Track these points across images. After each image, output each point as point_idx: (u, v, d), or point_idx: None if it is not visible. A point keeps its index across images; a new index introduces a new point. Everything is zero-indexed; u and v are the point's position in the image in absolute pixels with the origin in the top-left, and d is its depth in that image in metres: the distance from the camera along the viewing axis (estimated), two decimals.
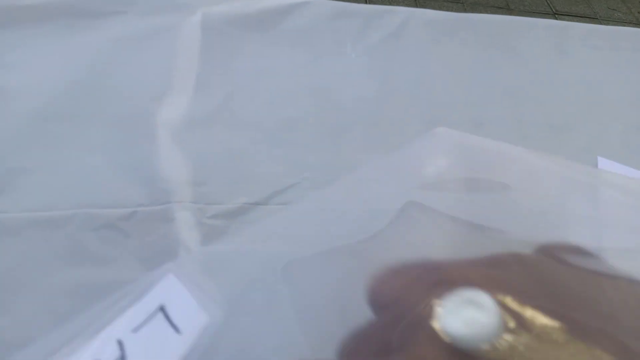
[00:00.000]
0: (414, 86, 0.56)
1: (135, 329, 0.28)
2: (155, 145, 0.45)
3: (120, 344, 0.27)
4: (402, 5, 1.95)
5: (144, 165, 0.44)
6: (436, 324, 0.14)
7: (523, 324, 0.14)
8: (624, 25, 0.80)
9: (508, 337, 0.14)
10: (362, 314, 0.17)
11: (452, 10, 0.66)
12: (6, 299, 0.36)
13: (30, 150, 0.43)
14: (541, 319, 0.14)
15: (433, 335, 0.14)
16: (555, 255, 0.17)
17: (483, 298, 0.15)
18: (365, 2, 1.93)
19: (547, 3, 2.24)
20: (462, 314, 0.14)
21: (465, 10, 2.03)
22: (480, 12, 2.02)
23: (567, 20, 0.72)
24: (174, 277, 0.29)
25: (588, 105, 0.58)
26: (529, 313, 0.14)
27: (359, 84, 0.53)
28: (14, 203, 0.40)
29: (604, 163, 0.51)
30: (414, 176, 0.31)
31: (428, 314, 0.15)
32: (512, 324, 0.14)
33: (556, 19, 2.11)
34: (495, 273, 0.16)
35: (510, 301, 0.15)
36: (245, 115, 0.50)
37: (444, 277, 0.16)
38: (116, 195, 0.42)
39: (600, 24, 2.14)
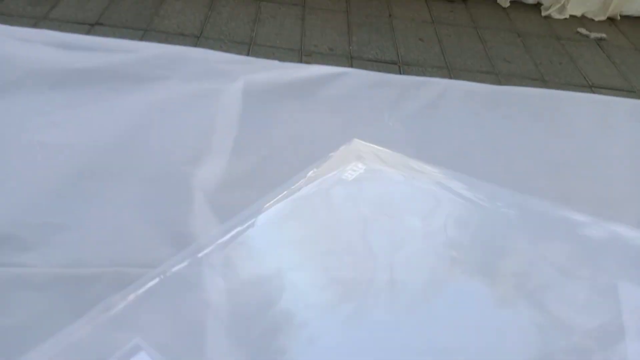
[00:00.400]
0: (453, 157, 0.55)
1: None
2: (190, 205, 0.45)
3: None
4: (436, 76, 1.99)
5: (178, 225, 0.43)
6: None
7: None
8: None
9: None
10: None
11: (486, 81, 0.66)
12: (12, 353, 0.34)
13: (66, 205, 0.44)
14: None
15: None
16: None
17: None
18: (400, 73, 1.98)
19: (583, 76, 2.24)
20: None
21: (499, 82, 2.05)
22: (515, 84, 2.04)
23: (604, 94, 0.71)
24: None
25: (637, 180, 0.56)
26: None
27: (396, 151, 0.53)
28: (44, 258, 0.40)
29: None
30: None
31: None
32: None
33: (592, 92, 2.11)
34: None
35: None
36: (277, 179, 0.49)
37: None
38: (147, 254, 0.41)
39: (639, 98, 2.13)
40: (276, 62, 0.63)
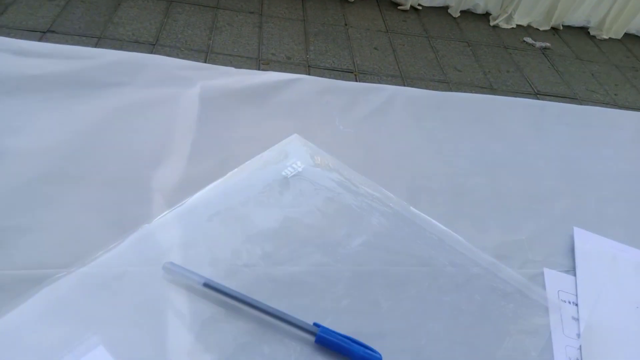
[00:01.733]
0: (398, 158, 0.59)
1: None
2: (149, 207, 0.47)
3: None
4: (389, 84, 2.05)
5: (137, 226, 0.45)
6: None
7: None
8: (601, 106, 0.85)
9: None
10: None
11: (438, 90, 0.71)
12: None
13: (26, 209, 0.45)
14: None
15: None
16: None
17: None
18: (356, 81, 2.03)
19: (529, 83, 2.35)
20: None
21: (450, 89, 2.13)
22: (465, 91, 2.13)
23: (548, 101, 0.77)
24: None
25: (564, 178, 0.61)
26: None
27: (345, 155, 0.56)
28: (7, 260, 0.41)
29: (579, 233, 0.54)
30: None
31: None
32: None
33: (538, 99, 2.21)
34: None
35: None
36: None
37: None
38: (108, 255, 0.43)
39: (580, 104, 2.25)
40: (232, 69, 0.66)
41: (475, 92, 2.08)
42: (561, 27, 2.81)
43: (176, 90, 0.59)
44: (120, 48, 1.78)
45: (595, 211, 0.58)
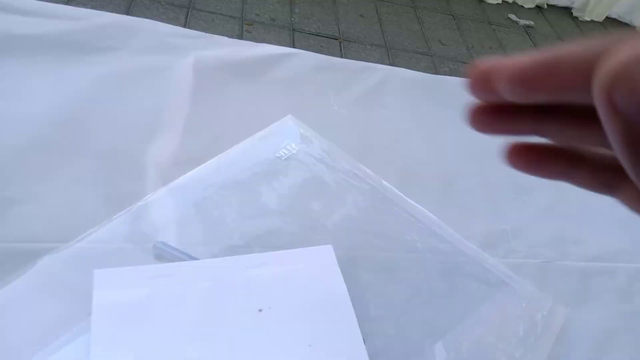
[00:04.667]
0: (391, 142, 0.59)
1: None
2: (143, 182, 0.46)
3: None
4: (375, 55, 2.03)
5: (131, 202, 0.44)
6: None
7: None
8: None
9: None
10: None
11: (421, 62, 0.71)
12: None
13: (16, 180, 0.43)
14: None
15: None
16: None
17: None
18: (340, 48, 2.00)
19: None
20: None
21: (434, 64, 2.12)
22: (448, 65, 2.13)
23: None
24: None
25: None
26: None
27: (339, 135, 0.56)
28: None
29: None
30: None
31: None
32: None
33: None
34: None
35: None
36: None
37: None
38: (101, 230, 0.42)
39: None
40: (226, 39, 0.64)
41: (459, 67, 2.09)
42: (545, 6, 2.82)
43: (169, 59, 0.58)
44: (99, 0, 1.71)
45: (578, 202, 0.60)
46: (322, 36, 2.02)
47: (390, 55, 2.07)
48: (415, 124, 0.62)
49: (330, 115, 0.59)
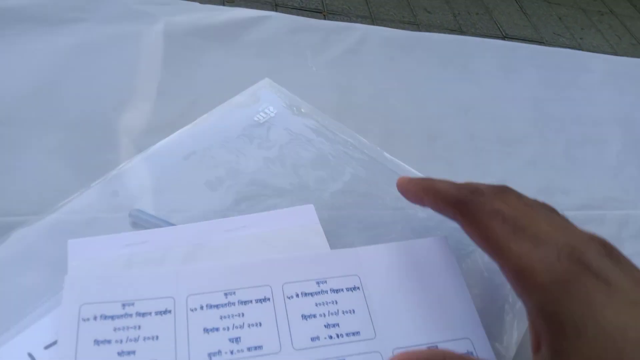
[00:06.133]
0: (371, 100, 0.58)
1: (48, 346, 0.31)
2: (116, 151, 0.45)
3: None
4: (359, 23, 2.01)
5: (105, 171, 0.43)
6: None
7: None
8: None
9: None
10: None
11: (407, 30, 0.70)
12: None
13: None
14: None
15: None
16: None
17: None
18: (324, 18, 1.97)
19: (498, 27, 2.34)
20: None
21: (420, 32, 2.09)
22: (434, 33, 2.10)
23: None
24: None
25: (533, 120, 0.62)
26: None
27: (319, 96, 0.55)
28: None
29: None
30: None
31: None
32: None
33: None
34: None
35: None
36: None
37: None
38: (76, 201, 0.41)
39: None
40: (197, 4, 0.62)
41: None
42: None
43: (138, 27, 0.56)
44: None
45: (564, 153, 0.59)
46: (306, 10, 1.99)
47: (376, 24, 2.04)
48: (396, 81, 0.61)
49: (309, 77, 0.58)
